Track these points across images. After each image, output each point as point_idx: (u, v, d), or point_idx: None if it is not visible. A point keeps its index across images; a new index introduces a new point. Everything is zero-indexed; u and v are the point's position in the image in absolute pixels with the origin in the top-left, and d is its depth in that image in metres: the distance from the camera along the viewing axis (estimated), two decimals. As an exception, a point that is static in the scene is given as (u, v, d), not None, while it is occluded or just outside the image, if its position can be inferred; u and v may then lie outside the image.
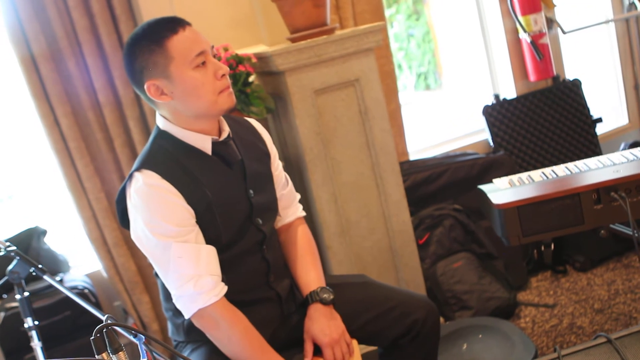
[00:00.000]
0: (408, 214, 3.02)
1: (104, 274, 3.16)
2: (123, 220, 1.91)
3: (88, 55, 2.86)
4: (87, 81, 2.90)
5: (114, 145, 3.00)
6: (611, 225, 2.43)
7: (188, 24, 1.80)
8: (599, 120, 4.17)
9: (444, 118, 5.58)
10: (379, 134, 2.89)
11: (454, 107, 5.07)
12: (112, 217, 3.03)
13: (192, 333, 1.97)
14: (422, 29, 7.45)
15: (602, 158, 2.47)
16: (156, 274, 1.99)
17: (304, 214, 2.24)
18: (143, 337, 1.40)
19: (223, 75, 1.81)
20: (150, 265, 3.14)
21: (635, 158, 2.40)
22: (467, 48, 4.36)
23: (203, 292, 1.80)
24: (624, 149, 4.07)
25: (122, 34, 2.85)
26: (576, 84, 4.11)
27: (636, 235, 2.20)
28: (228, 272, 1.90)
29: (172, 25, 1.77)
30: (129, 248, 3.10)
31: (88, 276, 3.24)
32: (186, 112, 1.83)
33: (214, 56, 1.84)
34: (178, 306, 1.85)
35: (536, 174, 2.46)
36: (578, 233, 3.14)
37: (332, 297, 2.04)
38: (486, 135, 3.96)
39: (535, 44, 3.83)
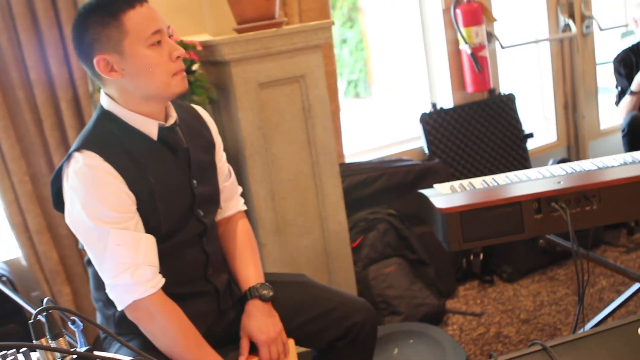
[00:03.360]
0: (344, 216, 2.99)
1: (24, 262, 3.00)
2: (57, 202, 1.81)
3: (22, 30, 2.71)
4: (19, 58, 2.75)
5: (43, 128, 2.86)
6: (548, 236, 2.46)
7: (146, 0, 1.72)
8: (530, 135, 4.25)
9: (376, 125, 5.59)
10: (320, 133, 2.86)
11: (388, 114, 5.08)
12: (36, 202, 2.88)
13: (123, 325, 1.87)
14: (356, 37, 7.49)
15: (542, 169, 2.50)
16: (88, 262, 1.89)
17: (245, 207, 2.18)
18: (81, 324, 1.32)
19: (178, 57, 1.74)
20: (73, 256, 3.03)
21: (574, 171, 2.45)
22: (404, 56, 4.37)
23: (140, 283, 1.72)
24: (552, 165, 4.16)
25: (60, 10, 2.72)
26: (510, 99, 4.18)
27: (575, 246, 2.23)
28: (166, 263, 1.82)
29: None
30: (53, 236, 2.96)
31: (5, 263, 3.08)
32: (135, 92, 1.74)
33: (170, 37, 1.77)
34: (111, 296, 1.75)
35: (477, 181, 2.47)
36: (507, 244, 3.18)
37: (271, 294, 1.98)
38: (421, 142, 3.98)
39: (475, 56, 3.88)
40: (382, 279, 3.21)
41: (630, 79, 4.08)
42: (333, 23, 2.86)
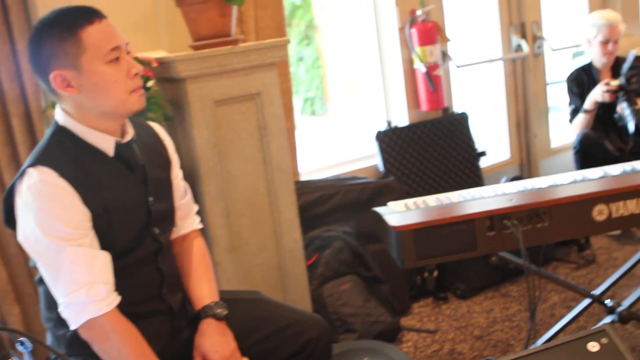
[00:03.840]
0: (300, 234, 3.00)
1: (-29, 281, 2.94)
2: (8, 219, 1.78)
3: (-28, 45, 2.67)
4: (-31, 73, 2.71)
5: (-7, 144, 2.81)
6: (500, 253, 2.50)
7: (104, 16, 1.72)
8: (483, 153, 4.32)
9: (332, 143, 5.62)
10: (276, 151, 2.86)
11: (344, 132, 5.11)
12: (-16, 220, 2.82)
13: (75, 346, 1.84)
14: (312, 55, 7.52)
15: (495, 187, 2.54)
16: (39, 281, 1.86)
17: (201, 226, 2.17)
18: (31, 345, 1.30)
19: (136, 74, 1.73)
20: (23, 275, 2.97)
21: (526, 189, 2.49)
22: (360, 74, 4.42)
23: (95, 301, 1.69)
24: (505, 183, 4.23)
25: (13, 25, 2.68)
26: (464, 117, 4.25)
27: (527, 263, 2.26)
28: (120, 281, 1.80)
29: (88, 14, 1.68)
30: (1, 255, 2.89)
31: (-48, 282, 3.00)
32: (92, 109, 1.73)
33: (128, 53, 1.76)
34: (65, 315, 1.73)
35: (431, 199, 2.50)
36: (460, 261, 3.21)
37: (225, 312, 1.97)
38: (377, 160, 4.01)
39: (429, 74, 3.93)
40: (337, 297, 3.22)
41: (582, 98, 4.19)
42: (289, 41, 2.88)
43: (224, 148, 2.74)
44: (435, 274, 3.64)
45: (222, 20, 2.62)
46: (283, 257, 2.96)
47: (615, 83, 3.94)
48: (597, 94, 4.03)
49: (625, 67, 3.94)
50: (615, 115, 4.02)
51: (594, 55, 4.24)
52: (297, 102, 7.40)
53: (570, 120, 4.28)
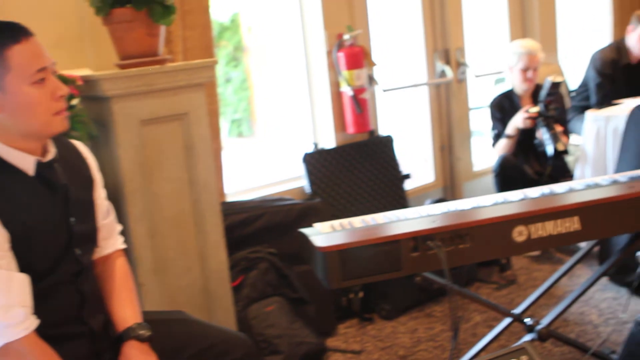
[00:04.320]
0: (225, 255, 2.98)
1: None
2: None
3: None
4: None
5: None
6: (424, 273, 2.54)
7: (32, 34, 1.68)
8: (408, 176, 4.40)
9: (259, 164, 5.62)
10: (202, 172, 2.84)
11: (271, 153, 5.13)
12: None
13: (-9, 370, 1.79)
14: (240, 76, 7.52)
15: (419, 209, 2.58)
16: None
17: (124, 246, 2.14)
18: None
19: (62, 96, 1.70)
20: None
21: (449, 210, 2.54)
22: (288, 96, 4.44)
23: (12, 325, 1.65)
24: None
25: None
26: (389, 140, 4.32)
27: (450, 283, 2.31)
28: (39, 304, 1.75)
29: (14, 33, 1.65)
30: None
31: None
32: (13, 129, 1.69)
33: (54, 74, 1.73)
34: (-20, 339, 1.67)
35: (357, 220, 2.52)
36: (385, 282, 3.24)
37: (149, 333, 1.95)
38: (303, 182, 4.03)
39: (356, 98, 3.99)
40: (262, 318, 3.21)
41: (504, 123, 4.32)
42: (217, 62, 2.88)
43: (149, 168, 2.71)
44: (361, 294, 3.67)
45: (150, 40, 2.60)
46: (208, 278, 2.93)
47: (534, 110, 4.09)
48: (518, 121, 4.17)
49: (543, 94, 4.09)
50: (536, 141, 4.16)
51: (515, 82, 4.39)
52: (224, 123, 7.38)
53: (493, 145, 4.41)
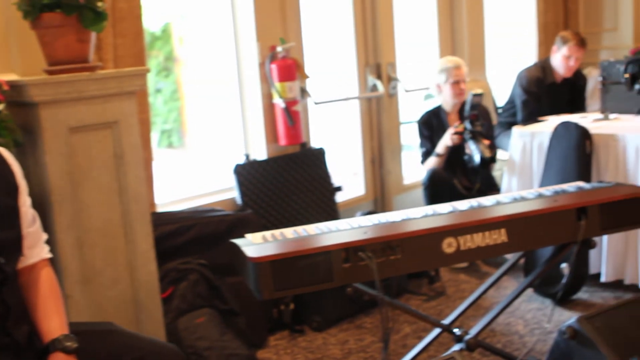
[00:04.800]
0: (155, 266, 2.93)
1: None
2: None
3: None
4: None
5: None
6: (355, 284, 2.55)
7: None
8: (339, 188, 4.42)
9: (190, 175, 5.56)
10: (132, 181, 2.80)
11: (202, 164, 5.08)
12: None
13: None
14: (171, 87, 7.45)
15: (351, 220, 2.60)
16: None
17: (50, 255, 2.09)
18: None
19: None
20: None
21: (380, 222, 2.56)
22: (220, 107, 4.42)
23: None
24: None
25: None
26: (321, 153, 4.34)
27: (381, 294, 2.33)
28: (-40, 314, 1.70)
29: None
30: None
31: None
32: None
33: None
34: None
35: (289, 231, 2.53)
36: (317, 293, 3.25)
37: (75, 345, 1.90)
38: (234, 193, 4.01)
39: (288, 110, 4.00)
40: (192, 330, 3.17)
41: (431, 141, 4.40)
42: (149, 70, 2.85)
43: (77, 176, 2.65)
44: (292, 306, 3.67)
45: (80, 46, 2.55)
46: (137, 289, 2.88)
47: (461, 127, 4.18)
48: (447, 139, 4.26)
49: (467, 109, 4.19)
50: (465, 157, 4.25)
51: (446, 99, 4.47)
52: (154, 133, 7.28)
53: (422, 162, 4.49)
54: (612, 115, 4.30)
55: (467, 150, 4.22)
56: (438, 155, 4.33)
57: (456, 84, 4.40)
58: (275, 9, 4.17)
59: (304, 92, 4.26)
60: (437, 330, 2.86)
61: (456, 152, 4.31)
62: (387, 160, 4.93)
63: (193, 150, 6.17)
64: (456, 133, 4.21)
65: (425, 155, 4.47)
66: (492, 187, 4.42)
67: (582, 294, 3.85)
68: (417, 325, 3.57)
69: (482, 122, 4.28)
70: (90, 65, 2.61)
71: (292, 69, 4.05)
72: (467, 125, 4.16)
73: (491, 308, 3.13)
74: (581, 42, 4.89)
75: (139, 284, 2.87)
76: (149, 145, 3.47)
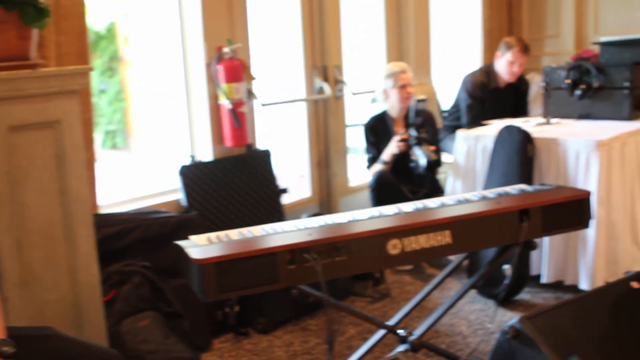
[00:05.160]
0: (97, 268, 2.88)
1: None
2: None
3: None
4: None
5: None
6: (300, 286, 2.54)
7: None
8: (285, 190, 4.42)
9: (134, 177, 5.49)
10: (74, 182, 2.74)
11: (147, 166, 5.02)
12: None
13: None
14: (116, 87, 7.34)
15: (297, 222, 2.60)
16: None
17: (-12, 257, 2.03)
18: None
19: None
20: None
21: (326, 224, 2.57)
22: (165, 108, 4.37)
23: None
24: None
25: None
26: (267, 154, 4.33)
27: (326, 296, 2.33)
28: None
29: None
30: None
31: None
32: None
33: None
34: None
35: (234, 233, 2.51)
36: (262, 295, 3.24)
37: (12, 350, 1.84)
38: (180, 195, 3.97)
39: (234, 111, 3.98)
40: (135, 333, 3.12)
41: (377, 147, 4.44)
42: (92, 69, 2.80)
43: (17, 176, 2.58)
44: (237, 308, 3.64)
45: (21, 43, 2.49)
46: (79, 292, 2.83)
47: (407, 134, 4.22)
48: (393, 147, 4.29)
49: (411, 115, 4.23)
50: (412, 164, 4.27)
51: (393, 104, 4.50)
52: (98, 134, 7.16)
53: (368, 167, 4.51)
54: (553, 120, 4.39)
55: (413, 157, 4.24)
56: (384, 162, 4.35)
57: (403, 87, 4.44)
58: (223, 10, 4.15)
59: (250, 93, 4.24)
60: (381, 332, 2.87)
61: (402, 159, 4.34)
62: (333, 163, 4.94)
63: (138, 151, 6.09)
64: (402, 140, 4.24)
65: (371, 161, 4.50)
66: (437, 191, 4.47)
67: (524, 295, 3.91)
68: (362, 327, 3.59)
69: (427, 128, 4.33)
70: (32, 63, 2.55)
71: (238, 70, 4.03)
72: (412, 132, 4.21)
73: (435, 309, 3.15)
74: (525, 49, 4.98)
75: (80, 287, 2.82)
76: (92, 145, 3.42)
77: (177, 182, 3.97)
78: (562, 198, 2.79)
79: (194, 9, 4.07)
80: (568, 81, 4.41)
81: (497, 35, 6.51)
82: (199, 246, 2.37)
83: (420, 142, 4.18)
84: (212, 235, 2.50)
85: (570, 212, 2.82)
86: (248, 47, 4.32)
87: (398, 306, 3.79)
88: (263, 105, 4.35)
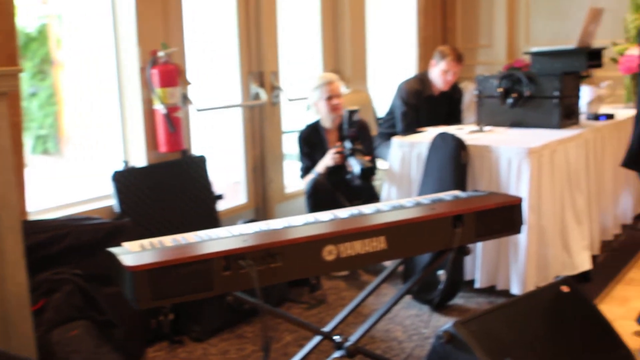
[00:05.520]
0: (25, 276, 2.79)
1: None
2: None
3: None
4: None
5: None
6: (236, 293, 2.52)
7: None
8: (220, 197, 4.38)
9: (66, 182, 5.37)
10: (1, 187, 2.66)
11: (79, 171, 4.92)
12: None
13: None
14: (47, 91, 7.17)
15: (231, 228, 2.58)
16: None
17: None
18: None
19: None
20: None
21: (261, 230, 2.55)
22: (98, 113, 4.29)
23: None
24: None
25: None
26: (202, 160, 4.29)
27: (261, 302, 2.31)
28: None
29: None
30: None
31: None
32: None
33: None
34: None
35: (168, 239, 2.48)
36: (196, 303, 3.20)
37: None
38: (113, 201, 3.89)
39: (169, 116, 3.93)
40: (66, 343, 3.04)
41: (311, 157, 4.44)
42: (22, 70, 2.72)
43: (-59, 182, 2.50)
44: (171, 316, 3.59)
45: (-56, 43, 2.41)
46: (6, 302, 2.74)
47: (341, 147, 4.24)
48: (328, 159, 4.30)
49: (345, 127, 4.25)
50: (348, 176, 4.28)
51: (323, 115, 4.52)
52: (28, 139, 6.98)
53: (302, 176, 4.51)
54: (486, 128, 4.47)
55: (348, 169, 4.25)
56: (319, 174, 4.35)
57: (329, 99, 4.45)
58: (157, 13, 4.10)
59: (185, 98, 4.20)
60: (317, 338, 2.87)
61: (338, 171, 4.35)
62: (269, 169, 4.93)
63: (70, 156, 5.96)
64: (337, 153, 4.26)
65: (305, 171, 4.50)
66: (373, 198, 4.49)
67: (458, 300, 3.97)
68: (298, 334, 3.57)
69: (362, 138, 4.35)
70: (-44, 64, 2.47)
71: (173, 75, 3.98)
72: (347, 144, 4.23)
73: (371, 315, 3.17)
74: (458, 58, 5.06)
75: (7, 297, 2.73)
76: (21, 150, 3.33)
77: (110, 188, 3.89)
78: (494, 204, 2.84)
79: (128, 12, 4.00)
80: (500, 90, 4.50)
81: (432, 43, 6.62)
82: (132, 253, 2.33)
83: (355, 153, 4.20)
84: (146, 242, 2.46)
85: (503, 218, 2.87)
86: (183, 51, 4.28)
87: (334, 312, 3.79)
88: (198, 110, 4.31)
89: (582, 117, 4.77)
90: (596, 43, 4.74)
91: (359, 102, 5.46)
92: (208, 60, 4.84)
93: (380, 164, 4.77)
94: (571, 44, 4.49)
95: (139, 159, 4.10)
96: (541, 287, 2.93)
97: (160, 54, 3.99)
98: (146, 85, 4.01)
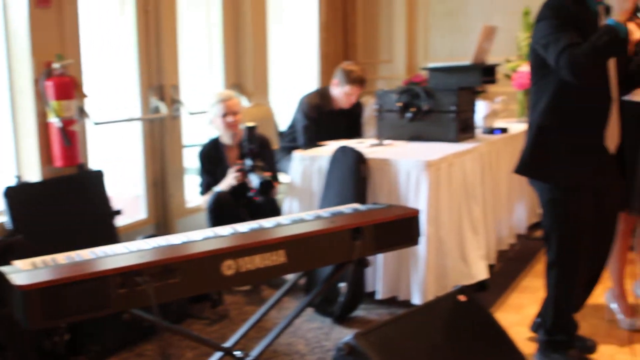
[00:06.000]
0: None
1: None
2: None
3: None
4: None
5: None
6: (134, 310, 2.47)
7: None
8: (118, 212, 4.28)
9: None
10: None
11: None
12: None
13: None
14: None
15: (129, 244, 2.53)
16: None
17: None
18: None
19: None
20: None
21: (160, 245, 2.51)
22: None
23: None
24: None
25: None
26: (99, 175, 4.18)
27: (159, 319, 2.27)
28: None
29: None
30: None
31: None
32: None
33: None
34: None
35: (61, 257, 2.41)
36: (94, 321, 3.11)
37: None
38: (4, 217, 3.74)
39: (64, 130, 3.82)
40: (-48, 368, 2.90)
41: (211, 174, 4.41)
42: None
43: None
44: (67, 336, 3.46)
45: None
46: None
47: (242, 165, 4.22)
48: (231, 179, 4.27)
49: (245, 144, 4.22)
50: (250, 194, 4.25)
51: (221, 132, 4.50)
52: None
53: (202, 193, 4.47)
54: (386, 141, 4.55)
55: (249, 186, 4.22)
56: (221, 192, 4.31)
57: (225, 116, 4.43)
58: (52, 24, 3.97)
59: (82, 111, 4.09)
60: (219, 354, 2.84)
61: (240, 189, 4.32)
62: (169, 183, 4.86)
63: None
64: (238, 170, 4.24)
65: (206, 187, 4.46)
66: (275, 213, 4.48)
67: (360, 312, 4.00)
68: (199, 350, 3.52)
69: (263, 154, 4.33)
70: None
71: (69, 87, 3.87)
72: (247, 161, 4.21)
73: (273, 329, 3.15)
74: (361, 82, 5.12)
75: None
76: None
77: (1, 204, 3.74)
78: (392, 216, 2.88)
79: (21, 21, 3.87)
80: (399, 104, 4.59)
81: (334, 58, 6.70)
82: (23, 271, 2.25)
83: (255, 170, 4.18)
84: (38, 259, 2.38)
85: (401, 230, 2.91)
86: (80, 63, 4.17)
87: (236, 327, 3.75)
88: (96, 124, 4.21)
89: (478, 131, 4.92)
90: (490, 60, 4.91)
91: (260, 115, 5.46)
92: (106, 73, 4.74)
93: (282, 177, 4.78)
94: (468, 61, 4.63)
95: (33, 174, 3.97)
96: (440, 296, 2.99)
97: (56, 65, 3.87)
98: (40, 97, 3.88)
